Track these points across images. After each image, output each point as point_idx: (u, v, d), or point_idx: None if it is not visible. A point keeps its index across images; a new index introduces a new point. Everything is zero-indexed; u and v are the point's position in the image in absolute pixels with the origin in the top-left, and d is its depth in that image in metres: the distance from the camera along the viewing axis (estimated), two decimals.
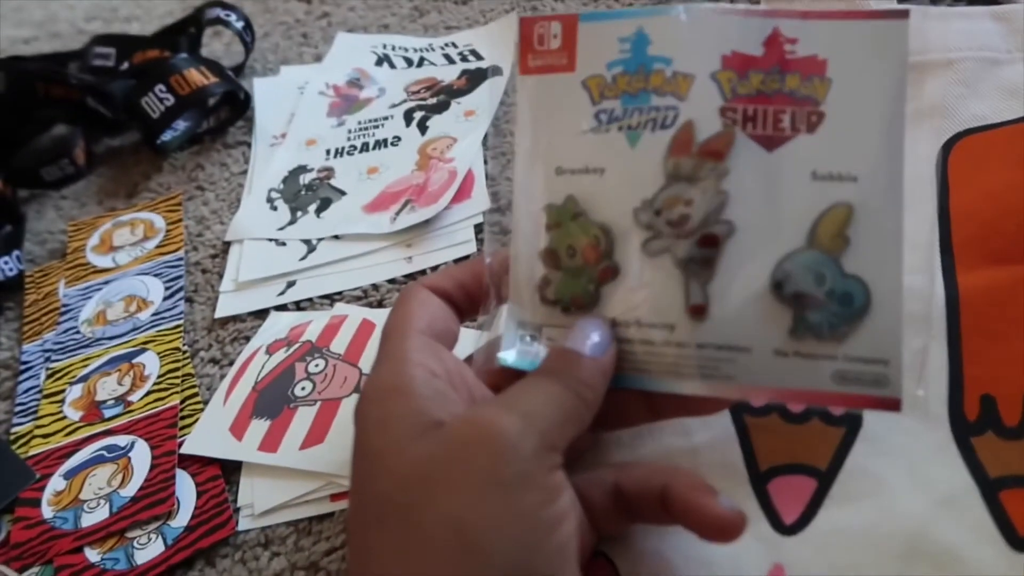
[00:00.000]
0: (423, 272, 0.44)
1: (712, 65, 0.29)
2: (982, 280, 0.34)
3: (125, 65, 0.62)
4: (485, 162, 0.49)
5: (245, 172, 0.55)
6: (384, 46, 0.61)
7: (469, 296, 0.31)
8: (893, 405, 0.26)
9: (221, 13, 0.62)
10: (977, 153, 0.39)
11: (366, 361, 0.39)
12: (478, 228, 0.45)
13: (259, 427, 0.38)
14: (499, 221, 0.46)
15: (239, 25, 0.63)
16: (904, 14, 0.27)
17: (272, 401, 0.39)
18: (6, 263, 0.49)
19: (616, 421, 0.30)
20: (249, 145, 0.57)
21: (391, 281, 0.44)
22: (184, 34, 0.64)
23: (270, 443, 0.37)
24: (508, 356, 0.30)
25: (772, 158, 0.28)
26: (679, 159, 0.28)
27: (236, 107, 0.59)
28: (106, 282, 0.48)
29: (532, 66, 0.31)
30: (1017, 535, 0.28)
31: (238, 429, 0.38)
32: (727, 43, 0.29)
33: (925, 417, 0.31)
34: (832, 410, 0.32)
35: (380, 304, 0.43)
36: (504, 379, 0.28)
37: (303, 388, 0.39)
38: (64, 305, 0.48)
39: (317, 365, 0.40)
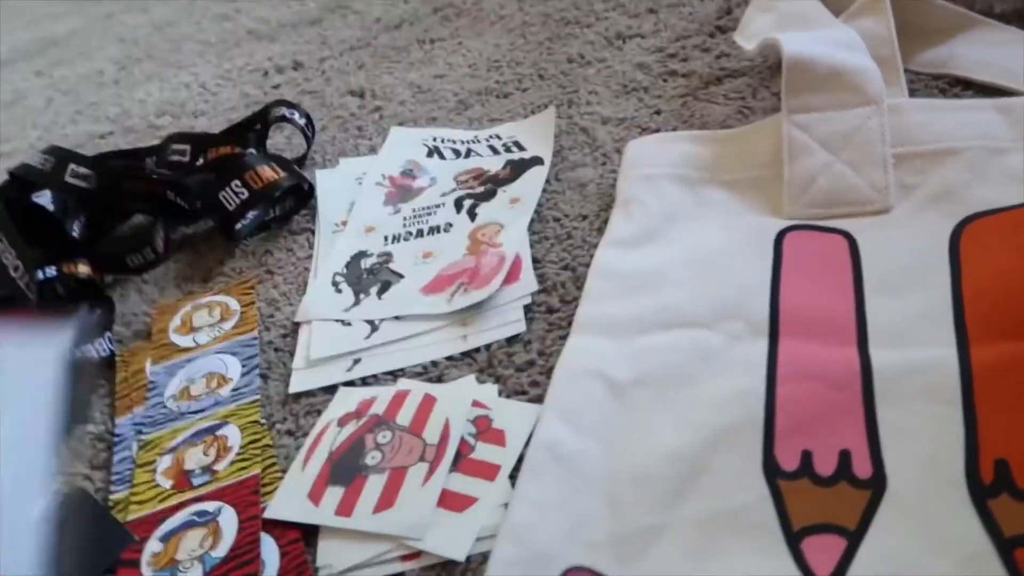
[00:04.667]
0: (478, 350, 0.48)
1: None
2: (994, 354, 0.37)
3: (200, 160, 0.69)
4: (531, 246, 0.54)
5: (310, 257, 0.60)
6: (434, 139, 0.67)
7: None
8: None
9: (286, 112, 0.69)
10: (986, 236, 0.43)
11: (429, 432, 0.43)
12: (527, 308, 0.50)
13: (335, 493, 0.42)
14: (545, 301, 0.50)
15: (302, 122, 0.69)
16: None
17: (345, 469, 0.43)
18: (100, 344, 0.55)
19: None
20: (313, 232, 0.62)
21: (449, 358, 0.48)
22: (252, 130, 0.71)
23: (345, 508, 0.41)
24: None
25: None
26: None
27: (300, 197, 0.64)
28: (188, 360, 0.53)
29: None
30: None
31: (316, 495, 0.42)
32: None
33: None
34: (858, 473, 0.35)
35: (440, 379, 0.47)
36: None
37: (373, 457, 0.43)
38: (151, 382, 0.52)
39: (385, 436, 0.44)
